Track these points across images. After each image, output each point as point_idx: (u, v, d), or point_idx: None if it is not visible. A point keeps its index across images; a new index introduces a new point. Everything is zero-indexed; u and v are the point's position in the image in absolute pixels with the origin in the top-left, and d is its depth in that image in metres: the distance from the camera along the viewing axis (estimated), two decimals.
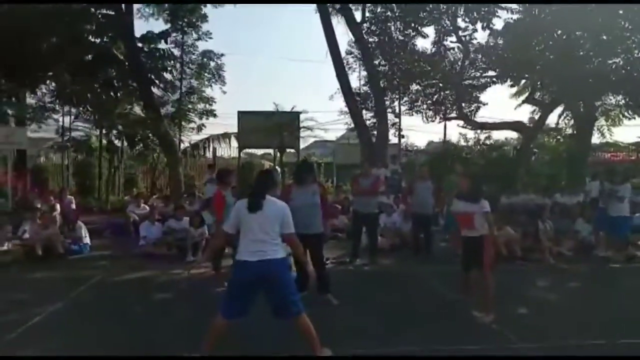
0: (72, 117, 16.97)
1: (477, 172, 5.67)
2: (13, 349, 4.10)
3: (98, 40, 15.69)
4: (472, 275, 5.12)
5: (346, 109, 15.64)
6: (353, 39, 15.92)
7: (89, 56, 15.53)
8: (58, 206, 10.54)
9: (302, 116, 15.98)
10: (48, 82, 15.71)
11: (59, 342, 4.24)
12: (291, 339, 3.88)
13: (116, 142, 16.90)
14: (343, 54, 15.37)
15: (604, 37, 12.33)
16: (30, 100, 16.10)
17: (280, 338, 4.10)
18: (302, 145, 18.28)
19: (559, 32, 12.85)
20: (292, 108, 15.95)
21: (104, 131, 15.83)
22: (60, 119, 17.09)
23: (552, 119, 16.86)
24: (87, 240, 8.18)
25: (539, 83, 15.10)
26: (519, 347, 4.18)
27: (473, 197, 4.98)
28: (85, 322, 4.79)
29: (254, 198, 3.70)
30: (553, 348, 4.15)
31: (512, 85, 16.01)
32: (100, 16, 14.99)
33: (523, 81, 16.01)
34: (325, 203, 5.72)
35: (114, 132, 16.18)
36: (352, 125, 15.78)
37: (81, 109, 16.00)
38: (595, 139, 16.73)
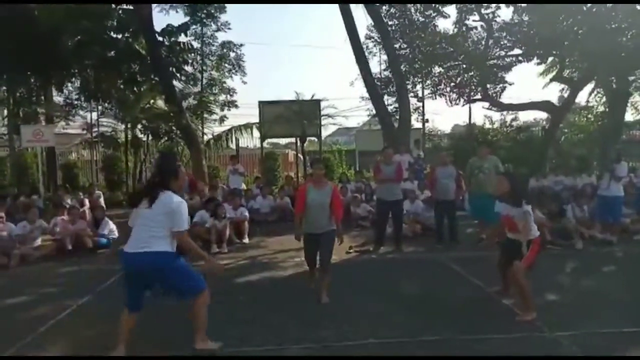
0: (98, 113, 17.38)
1: (517, 172, 4.84)
2: (44, 342, 4.20)
3: (120, 36, 15.91)
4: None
5: (367, 95, 15.44)
6: (372, 23, 15.64)
7: (112, 52, 15.78)
8: (87, 201, 10.84)
9: (322, 104, 15.87)
10: (73, 79, 16.06)
11: (86, 335, 4.33)
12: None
13: (141, 136, 17.17)
14: (362, 39, 15.12)
15: (639, 8, 11.71)
16: (57, 97, 16.54)
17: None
18: (324, 133, 18.23)
19: (588, 5, 12.27)
20: (312, 96, 15.85)
21: (128, 126, 16.12)
22: (87, 115, 17.55)
23: (582, 97, 16.27)
24: (114, 234, 8.33)
25: (567, 60, 14.52)
26: (550, 336, 4.03)
27: (513, 200, 4.44)
28: (112, 315, 4.86)
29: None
30: (586, 337, 3.98)
31: (539, 64, 15.49)
32: (120, 12, 15.19)
33: (550, 59, 15.42)
34: None
35: (139, 126, 16.44)
36: (374, 112, 15.57)
37: (106, 104, 16.34)
38: (629, 116, 16.03)
